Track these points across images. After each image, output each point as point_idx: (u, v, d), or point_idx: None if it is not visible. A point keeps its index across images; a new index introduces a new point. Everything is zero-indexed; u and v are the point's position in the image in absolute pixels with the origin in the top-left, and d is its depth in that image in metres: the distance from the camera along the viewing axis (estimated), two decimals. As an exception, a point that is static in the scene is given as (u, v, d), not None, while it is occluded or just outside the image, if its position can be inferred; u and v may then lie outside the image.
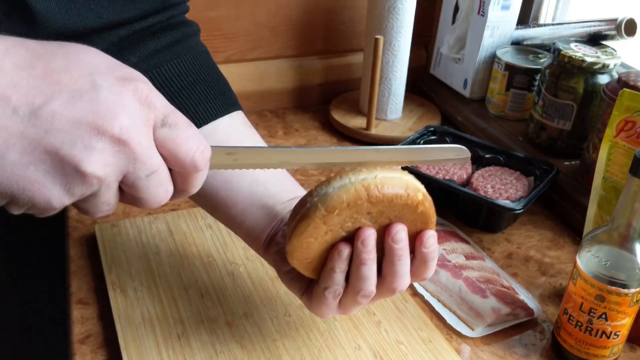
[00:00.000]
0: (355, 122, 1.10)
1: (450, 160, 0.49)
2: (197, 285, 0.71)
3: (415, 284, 0.76)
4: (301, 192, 0.61)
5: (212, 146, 0.42)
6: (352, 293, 0.51)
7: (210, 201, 0.61)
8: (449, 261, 0.77)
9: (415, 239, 0.51)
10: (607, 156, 0.68)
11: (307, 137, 1.10)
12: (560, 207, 0.90)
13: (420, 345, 0.65)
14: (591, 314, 0.62)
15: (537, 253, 0.83)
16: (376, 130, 1.08)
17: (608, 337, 0.62)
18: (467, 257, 0.79)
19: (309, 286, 0.55)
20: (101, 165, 0.35)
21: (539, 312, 0.72)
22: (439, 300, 0.74)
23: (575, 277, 0.63)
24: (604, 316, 0.61)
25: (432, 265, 0.53)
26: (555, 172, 0.88)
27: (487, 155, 0.94)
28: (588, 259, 0.61)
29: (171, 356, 0.62)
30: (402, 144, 0.95)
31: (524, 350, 0.68)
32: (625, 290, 0.59)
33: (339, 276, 0.51)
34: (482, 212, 0.86)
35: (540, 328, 0.71)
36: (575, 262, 0.63)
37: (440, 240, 0.81)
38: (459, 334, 0.69)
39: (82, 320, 0.68)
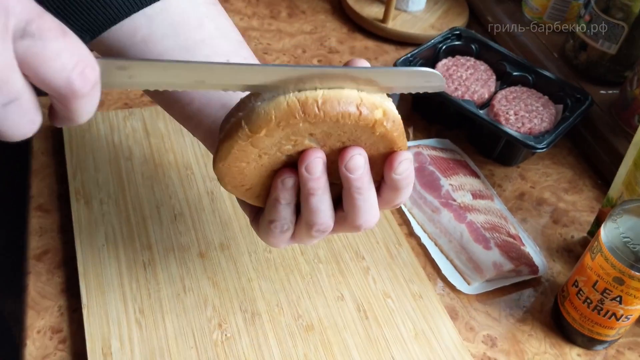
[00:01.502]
0: (371, 11, 0.96)
1: (421, 87, 0.38)
2: (171, 203, 0.64)
3: (413, 223, 0.68)
4: None
5: (99, 59, 0.31)
6: (305, 227, 0.43)
7: (163, 96, 0.50)
8: (454, 200, 0.69)
9: (382, 163, 0.41)
10: (660, 112, 0.58)
11: (313, 22, 0.97)
12: (586, 143, 0.81)
13: (409, 301, 0.59)
14: (605, 294, 0.55)
15: (552, 196, 0.75)
16: (393, 23, 0.95)
17: (617, 319, 0.56)
18: (475, 196, 0.71)
19: (258, 211, 0.46)
20: None
21: (544, 270, 0.66)
22: (436, 245, 0.67)
23: (595, 252, 0.55)
24: (618, 299, 0.54)
25: (407, 192, 0.42)
26: (588, 105, 0.77)
27: (515, 73, 0.83)
28: (614, 237, 0.53)
29: (134, 289, 0.56)
30: (418, 50, 0.83)
31: (521, 313, 0.62)
32: (650, 279, 0.52)
33: (285, 209, 0.42)
34: (499, 144, 0.76)
35: (543, 288, 0.65)
36: (598, 235, 0.55)
37: (449, 172, 0.73)
38: (452, 288, 0.63)
39: (40, 232, 0.61)
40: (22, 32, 0.27)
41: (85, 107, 0.30)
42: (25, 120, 0.29)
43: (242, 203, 0.48)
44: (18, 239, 0.60)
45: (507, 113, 0.77)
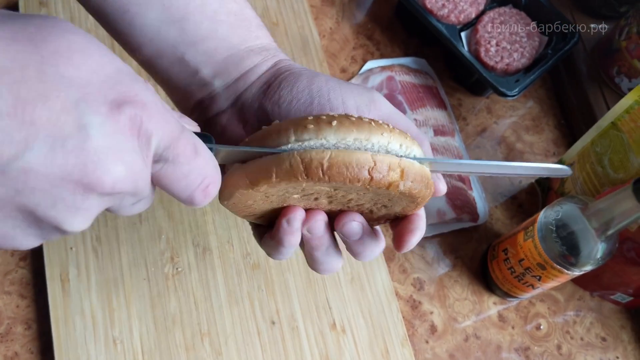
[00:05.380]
0: None
1: (544, 175, 0.38)
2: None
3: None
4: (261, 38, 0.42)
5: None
6: (310, 265, 0.41)
7: (125, 42, 0.42)
8: (415, 138, 0.70)
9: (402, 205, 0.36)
10: (627, 108, 0.58)
11: None
12: (561, 80, 0.80)
13: (352, 245, 0.64)
14: (527, 271, 0.60)
15: (512, 134, 0.76)
16: None
17: (534, 289, 0.62)
18: (437, 132, 0.72)
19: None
20: (86, 221, 0.28)
21: (485, 218, 0.70)
22: (389, 182, 0.69)
23: (528, 235, 0.59)
24: (538, 277, 0.60)
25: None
26: (572, 44, 0.75)
27: (508, -8, 0.78)
28: (548, 228, 0.57)
29: (92, 215, 0.58)
30: None
31: (452, 259, 0.68)
32: (569, 272, 0.57)
33: (289, 251, 0.40)
34: (473, 77, 0.75)
35: (478, 235, 0.70)
36: (535, 221, 0.59)
37: (416, 104, 0.72)
38: (396, 229, 0.67)
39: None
40: (159, 157, 0.29)
41: (203, 204, 0.33)
42: (141, 207, 0.32)
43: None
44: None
45: (488, 43, 0.74)
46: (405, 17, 0.79)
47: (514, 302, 0.67)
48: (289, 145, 0.33)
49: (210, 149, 0.32)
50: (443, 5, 0.75)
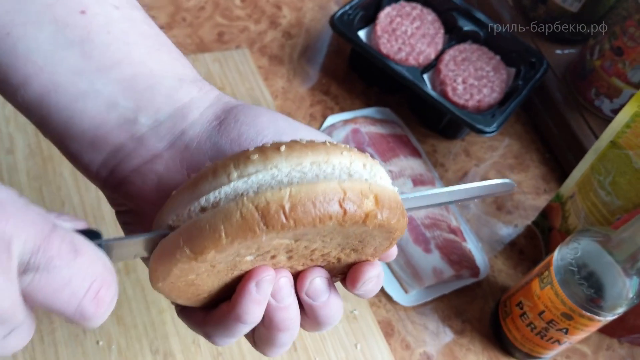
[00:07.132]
0: None
1: (491, 195, 0.34)
2: (64, 212, 0.54)
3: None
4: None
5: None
6: (267, 338, 0.33)
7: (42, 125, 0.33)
8: (394, 192, 0.62)
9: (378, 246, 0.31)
10: (627, 123, 0.51)
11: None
12: (537, 112, 0.74)
13: (343, 325, 0.54)
14: (550, 324, 0.51)
15: (497, 175, 0.69)
16: (330, -48, 0.81)
17: (560, 344, 0.53)
18: (415, 182, 0.64)
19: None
20: None
21: (486, 271, 0.61)
22: (373, 246, 0.61)
23: (545, 282, 0.51)
24: (564, 330, 0.51)
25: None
26: (542, 72, 0.70)
27: (465, 28, 0.73)
28: (568, 277, 0.48)
29: (22, 333, 0.48)
30: None
31: (459, 323, 0.58)
32: (600, 318, 0.48)
33: (248, 329, 0.32)
34: (444, 119, 0.69)
35: (482, 292, 0.61)
36: (550, 264, 0.51)
37: (388, 155, 0.65)
38: (389, 298, 0.58)
39: None
40: (26, 266, 0.23)
41: (99, 321, 0.26)
42: (20, 342, 0.26)
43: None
44: None
45: (454, 81, 0.68)
46: (361, 66, 0.73)
47: (537, 364, 0.57)
48: (232, 184, 0.26)
49: (99, 245, 0.26)
50: (399, 49, 0.70)
